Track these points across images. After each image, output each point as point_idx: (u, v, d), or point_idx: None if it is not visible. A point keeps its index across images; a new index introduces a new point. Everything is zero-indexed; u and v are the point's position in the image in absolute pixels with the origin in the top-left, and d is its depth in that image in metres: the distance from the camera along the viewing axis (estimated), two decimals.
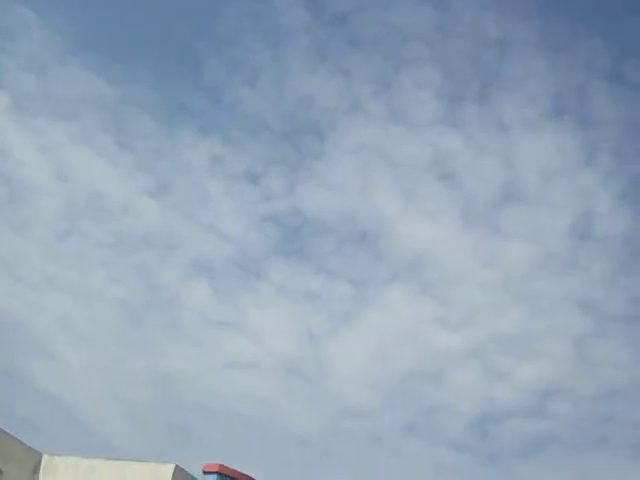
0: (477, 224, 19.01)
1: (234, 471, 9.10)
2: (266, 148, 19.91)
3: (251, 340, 18.44)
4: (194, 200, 19.65)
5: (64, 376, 17.43)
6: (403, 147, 19.42)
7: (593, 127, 18.81)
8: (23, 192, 18.42)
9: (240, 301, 18.98)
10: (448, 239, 19.08)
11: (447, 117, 19.37)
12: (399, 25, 19.53)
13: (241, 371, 18.33)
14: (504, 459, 17.80)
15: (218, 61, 21.02)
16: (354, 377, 18.37)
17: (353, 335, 18.64)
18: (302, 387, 18.61)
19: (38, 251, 18.73)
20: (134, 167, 19.50)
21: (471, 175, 19.13)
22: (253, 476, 9.28)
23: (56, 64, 19.72)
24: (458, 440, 17.57)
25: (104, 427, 16.23)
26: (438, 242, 19.07)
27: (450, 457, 17.62)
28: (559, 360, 17.63)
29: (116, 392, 17.19)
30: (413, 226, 19.19)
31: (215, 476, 8.99)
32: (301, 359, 18.69)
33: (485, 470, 17.39)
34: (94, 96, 19.48)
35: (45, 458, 9.09)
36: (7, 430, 8.62)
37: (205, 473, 9.02)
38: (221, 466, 9.04)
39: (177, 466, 8.70)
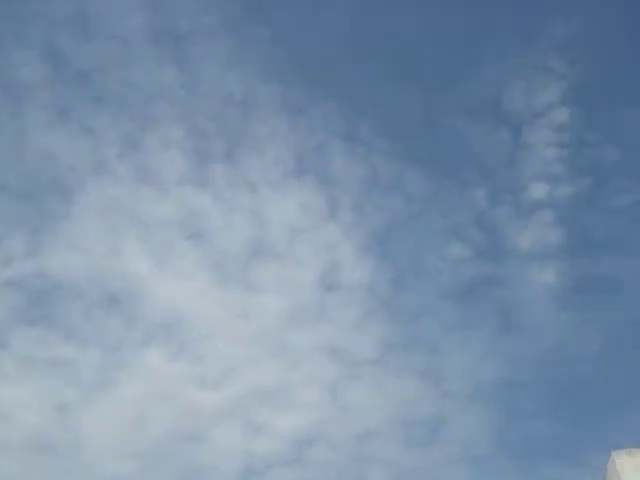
0: (229, 280, 19.25)
1: None
2: (4, 209, 18.76)
3: None
4: None
5: None
6: (152, 207, 19.29)
7: (333, 185, 19.88)
8: None
9: None
10: (201, 297, 19.17)
11: (195, 176, 19.57)
12: (143, 84, 19.56)
13: None
14: None
15: None
16: (111, 446, 17.59)
17: (108, 403, 17.92)
18: (54, 464, 17.46)
19: None
20: None
21: (221, 233, 19.43)
22: None
23: None
24: None
25: None
26: (191, 301, 19.09)
27: None
28: (316, 408, 18.17)
29: None
30: (165, 286, 19.05)
31: None
32: (51, 434, 17.60)
33: None
34: None
35: None
36: None
37: None
38: None
39: None
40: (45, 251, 18.47)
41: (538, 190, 19.48)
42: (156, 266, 18.90)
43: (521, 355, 18.28)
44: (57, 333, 18.21)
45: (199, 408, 17.89)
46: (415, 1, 20.89)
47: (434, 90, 20.45)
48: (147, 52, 19.75)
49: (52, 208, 18.90)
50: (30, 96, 19.11)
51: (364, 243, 19.52)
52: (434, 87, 20.51)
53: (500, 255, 19.35)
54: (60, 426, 17.63)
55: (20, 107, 19.14)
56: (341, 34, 20.72)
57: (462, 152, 20.12)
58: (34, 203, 18.95)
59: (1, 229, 18.56)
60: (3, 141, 19.09)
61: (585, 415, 17.30)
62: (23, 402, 17.47)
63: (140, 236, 19.00)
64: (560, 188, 19.40)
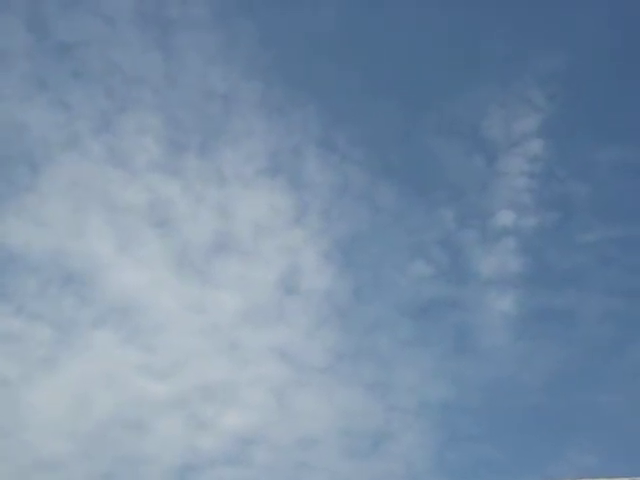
0: (189, 272, 19.12)
1: None
2: None
3: None
4: None
5: None
6: (120, 190, 19.14)
7: (304, 188, 19.91)
8: None
9: None
10: (159, 285, 19.00)
11: (167, 164, 19.46)
12: (125, 65, 19.43)
13: None
14: None
15: None
16: (51, 427, 17.32)
17: (53, 381, 17.66)
18: None
19: None
20: None
21: (187, 224, 19.32)
22: None
23: None
24: None
25: None
26: (148, 288, 18.91)
27: None
28: (261, 409, 18.08)
29: None
30: (124, 271, 18.86)
31: None
32: None
33: None
34: None
35: None
36: None
37: None
38: None
39: None
40: (6, 222, 18.24)
41: (505, 217, 19.68)
42: (118, 250, 18.77)
43: (471, 378, 18.38)
44: (8, 306, 17.95)
45: (144, 397, 17.73)
46: (406, 17, 20.99)
47: (414, 107, 20.61)
48: (133, 34, 19.66)
49: (19, 180, 18.69)
50: (8, 64, 18.92)
51: (328, 250, 19.55)
52: (414, 104, 20.65)
53: (461, 277, 19.49)
54: (2, 400, 17.38)
55: None
56: (328, 41, 20.81)
57: (435, 172, 20.28)
58: (1, 173, 18.73)
59: None
60: None
61: (527, 444, 17.44)
62: None
63: (105, 218, 18.85)
64: (527, 218, 19.63)
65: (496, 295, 19.11)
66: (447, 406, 18.10)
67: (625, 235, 19.20)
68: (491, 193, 19.92)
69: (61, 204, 18.62)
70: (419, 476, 17.18)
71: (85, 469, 17.44)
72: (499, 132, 20.12)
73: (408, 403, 18.24)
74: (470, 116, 20.39)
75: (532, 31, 20.93)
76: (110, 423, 17.54)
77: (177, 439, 17.59)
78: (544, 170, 19.92)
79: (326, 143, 20.06)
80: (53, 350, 17.80)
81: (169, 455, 17.48)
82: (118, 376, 17.86)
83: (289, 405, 18.23)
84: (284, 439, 17.81)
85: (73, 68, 19.36)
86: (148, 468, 17.34)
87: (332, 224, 19.77)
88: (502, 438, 17.67)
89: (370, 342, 19.02)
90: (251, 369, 18.50)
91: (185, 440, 17.64)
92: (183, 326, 18.62)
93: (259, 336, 18.80)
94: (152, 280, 18.75)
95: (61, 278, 18.45)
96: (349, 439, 17.80)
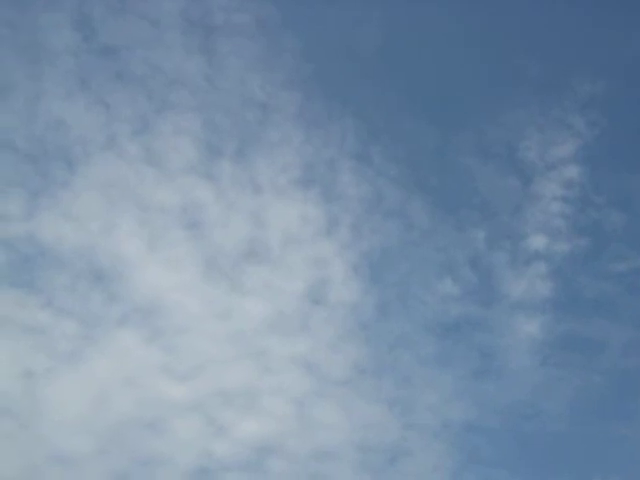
0: (217, 277, 19.19)
1: None
2: (7, 168, 18.75)
3: None
4: None
5: None
6: (154, 191, 19.31)
7: (337, 200, 19.91)
8: None
9: None
10: (186, 288, 19.09)
11: (202, 168, 19.60)
12: (167, 68, 19.65)
13: None
14: None
15: None
16: (70, 420, 17.43)
17: (75, 376, 17.81)
18: (9, 429, 17.32)
19: None
20: None
21: (218, 228, 19.42)
22: None
23: None
24: None
25: None
26: (176, 290, 19.01)
27: None
28: (279, 418, 18.04)
29: None
30: (152, 271, 19.00)
31: None
32: (13, 398, 17.46)
33: None
34: None
35: None
36: None
37: None
38: None
39: None
40: (40, 217, 18.48)
41: (537, 242, 19.50)
42: (147, 250, 18.90)
43: (493, 401, 18.17)
44: (37, 299, 18.15)
45: (164, 398, 17.79)
46: (446, 39, 20.97)
47: (450, 126, 20.53)
48: (176, 38, 19.89)
49: (55, 176, 18.93)
50: (53, 62, 19.24)
51: (356, 264, 19.50)
52: (451, 123, 20.58)
53: (489, 299, 19.30)
54: (24, 392, 17.53)
55: (41, 71, 19.25)
56: (368, 58, 20.84)
57: (469, 191, 20.17)
58: (38, 168, 18.97)
59: (1, 187, 18.57)
60: (18, 102, 19.14)
61: (545, 472, 17.16)
62: None
63: (137, 217, 19.02)
64: (559, 243, 19.42)
65: (523, 319, 18.91)
66: (466, 427, 17.92)
67: None
68: (524, 216, 19.76)
69: (94, 202, 18.84)
70: None
71: (101, 467, 17.52)
72: (536, 155, 19.99)
73: (427, 422, 18.08)
74: (507, 138, 20.29)
75: (574, 55, 20.82)
76: (128, 422, 17.62)
77: (194, 442, 17.62)
78: (579, 196, 19.73)
79: (361, 157, 20.09)
80: (78, 345, 17.95)
81: (185, 458, 17.51)
82: (139, 376, 17.96)
83: (308, 416, 18.17)
84: (301, 450, 17.75)
85: (116, 69, 19.63)
86: (163, 469, 17.38)
87: (362, 238, 19.74)
88: (520, 464, 17.43)
89: (393, 358, 18.92)
90: (273, 378, 18.49)
91: (202, 444, 17.66)
92: (207, 330, 18.68)
93: (283, 345, 18.79)
94: (179, 282, 18.86)
95: (90, 274, 18.62)
96: (365, 454, 17.69)
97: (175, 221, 19.26)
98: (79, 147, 19.23)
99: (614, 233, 19.45)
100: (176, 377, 18.15)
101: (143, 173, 19.28)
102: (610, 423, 17.70)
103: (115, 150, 19.29)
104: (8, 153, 18.79)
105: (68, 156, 19.15)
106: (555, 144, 20.15)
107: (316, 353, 18.71)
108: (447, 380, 18.62)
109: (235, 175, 19.78)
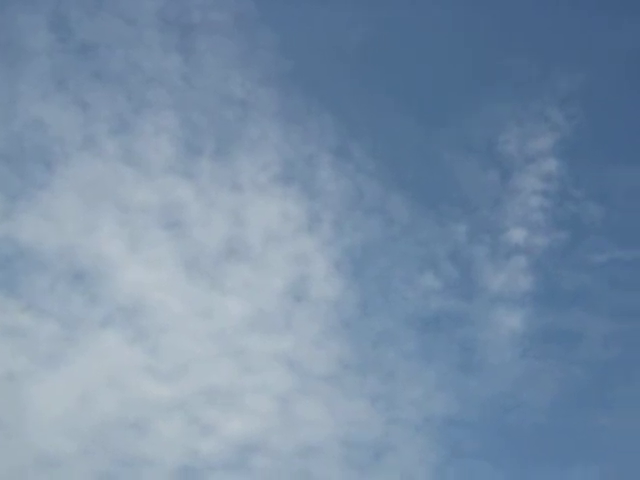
0: (199, 275, 19.18)
1: None
2: None
3: None
4: None
5: None
6: (133, 190, 19.25)
7: (317, 197, 19.93)
8: None
9: None
10: (168, 288, 19.06)
11: (182, 167, 19.56)
12: (145, 67, 19.58)
13: None
14: None
15: None
16: (53, 422, 17.39)
17: (57, 378, 17.75)
18: None
19: None
20: None
21: (198, 227, 19.39)
22: None
23: None
24: None
25: None
26: (157, 290, 18.97)
27: None
28: (263, 416, 18.07)
29: None
30: (133, 271, 18.95)
31: None
32: None
33: None
34: None
35: None
36: None
37: None
38: None
39: None
40: (19, 218, 18.37)
41: (517, 235, 19.62)
42: (128, 250, 18.85)
43: (475, 394, 18.30)
44: (17, 301, 18.06)
45: (147, 398, 17.77)
46: (426, 34, 21.01)
47: (430, 121, 20.60)
48: (154, 37, 19.81)
49: (33, 176, 18.83)
50: (29, 62, 19.11)
51: (338, 260, 19.54)
52: (430, 118, 20.64)
53: (470, 292, 19.41)
54: (6, 395, 17.46)
55: (18, 72, 19.13)
56: (348, 54, 20.87)
57: (448, 186, 20.24)
58: (16, 169, 18.85)
59: None
60: None
61: (528, 464, 17.32)
62: None
63: (117, 217, 18.96)
64: (538, 237, 19.55)
65: (504, 312, 19.04)
66: (449, 421, 18.04)
67: (636, 257, 19.08)
68: (504, 210, 19.87)
69: (74, 202, 18.77)
70: None
71: (85, 468, 17.49)
72: (515, 149, 20.10)
73: (411, 417, 18.18)
74: (486, 132, 20.39)
75: (553, 50, 20.92)
76: (112, 423, 17.60)
77: (178, 442, 17.62)
78: (558, 189, 19.87)
79: (341, 153, 20.12)
80: (59, 347, 17.89)
81: (169, 457, 17.51)
82: (122, 376, 17.93)
83: (291, 413, 18.22)
84: (285, 447, 17.80)
85: (93, 69, 19.54)
86: (148, 469, 17.38)
87: (343, 234, 19.78)
88: (503, 456, 17.58)
89: (376, 354, 18.99)
90: (256, 375, 18.51)
91: (186, 443, 17.67)
92: (189, 329, 18.67)
93: (265, 343, 18.82)
94: (161, 282, 18.83)
95: (71, 275, 18.56)
96: (350, 450, 17.77)
97: (155, 221, 19.24)
98: (57, 147, 19.15)
99: (593, 226, 19.62)
100: (159, 377, 18.15)
101: (122, 173, 19.24)
102: (590, 413, 17.88)
103: (94, 150, 19.22)
104: None
105: (46, 156, 19.07)
106: (534, 137, 20.27)
107: (299, 350, 18.76)
108: (430, 375, 18.73)
109: (215, 173, 19.77)
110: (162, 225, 19.23)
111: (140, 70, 19.70)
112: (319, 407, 18.36)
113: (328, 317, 19.10)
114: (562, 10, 20.90)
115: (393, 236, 19.89)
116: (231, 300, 19.05)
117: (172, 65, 19.85)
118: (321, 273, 19.42)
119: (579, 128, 20.23)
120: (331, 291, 19.32)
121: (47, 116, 19.00)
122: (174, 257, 19.04)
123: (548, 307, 19.17)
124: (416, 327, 19.19)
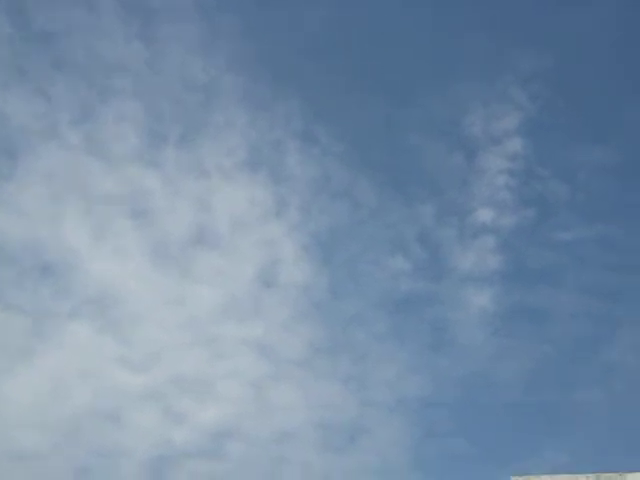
0: (167, 264, 19.09)
1: None
2: None
3: None
4: None
5: None
6: (98, 180, 19.07)
7: (284, 182, 19.90)
8: None
9: None
10: (137, 278, 18.95)
11: (147, 155, 19.40)
12: (106, 55, 19.35)
13: None
14: None
15: None
16: (27, 416, 17.23)
17: (29, 372, 17.57)
18: None
19: None
20: None
21: (165, 216, 19.28)
22: None
23: None
24: None
25: None
26: (125, 280, 18.85)
27: None
28: (237, 402, 18.09)
29: None
30: (101, 262, 18.79)
31: None
32: None
33: None
34: None
35: None
36: None
37: None
38: None
39: None
40: None
41: (484, 215, 19.79)
42: (94, 240, 18.68)
43: (448, 374, 18.49)
44: None
45: (120, 389, 17.66)
46: (390, 16, 21.04)
47: (396, 103, 20.67)
48: (114, 24, 19.58)
49: None
50: None
51: (307, 244, 19.57)
52: (396, 100, 20.71)
53: (439, 273, 19.58)
54: None
55: None
56: (312, 36, 20.84)
57: (415, 168, 20.37)
58: None
59: None
60: None
61: (502, 440, 17.61)
62: None
63: (82, 208, 18.76)
64: (505, 216, 19.74)
65: (473, 291, 19.24)
66: (423, 401, 18.22)
67: (602, 235, 19.40)
68: (470, 190, 20.03)
69: (38, 193, 18.54)
70: (394, 470, 17.28)
71: (60, 461, 17.38)
72: (480, 130, 20.23)
73: (384, 398, 18.33)
74: (451, 113, 20.51)
75: (516, 30, 21.10)
76: (86, 415, 17.49)
77: (152, 431, 17.57)
78: (524, 169, 20.06)
79: (308, 137, 20.11)
80: (29, 341, 17.72)
81: (144, 447, 17.45)
82: (94, 368, 17.81)
83: (265, 398, 18.28)
84: (260, 433, 17.85)
85: (54, 57, 19.26)
86: (123, 460, 17.31)
87: (311, 218, 19.82)
88: (477, 434, 17.83)
89: (347, 336, 19.10)
90: (228, 362, 18.52)
91: (160, 432, 17.63)
92: (160, 318, 18.60)
93: (237, 329, 18.82)
94: (129, 272, 18.72)
95: (38, 268, 18.37)
96: (325, 433, 17.87)
97: (121, 210, 19.05)
98: (20, 138, 18.86)
99: (558, 204, 19.87)
100: (131, 367, 18.05)
101: (87, 162, 19.01)
102: (561, 390, 18.18)
103: (57, 140, 18.95)
104: None
105: (9, 148, 18.78)
106: (498, 118, 20.41)
107: (270, 336, 18.79)
108: (402, 355, 18.90)
109: (180, 161, 19.62)
110: (128, 214, 19.08)
111: (101, 58, 19.47)
112: (292, 391, 18.44)
113: (298, 302, 19.16)
114: None
115: (361, 219, 19.98)
116: (201, 287, 18.99)
117: (134, 52, 19.65)
118: (290, 258, 19.44)
119: (543, 108, 20.44)
120: (300, 276, 19.36)
121: (8, 106, 18.71)
122: (142, 246, 18.92)
123: (516, 285, 19.44)
124: (387, 309, 19.34)
